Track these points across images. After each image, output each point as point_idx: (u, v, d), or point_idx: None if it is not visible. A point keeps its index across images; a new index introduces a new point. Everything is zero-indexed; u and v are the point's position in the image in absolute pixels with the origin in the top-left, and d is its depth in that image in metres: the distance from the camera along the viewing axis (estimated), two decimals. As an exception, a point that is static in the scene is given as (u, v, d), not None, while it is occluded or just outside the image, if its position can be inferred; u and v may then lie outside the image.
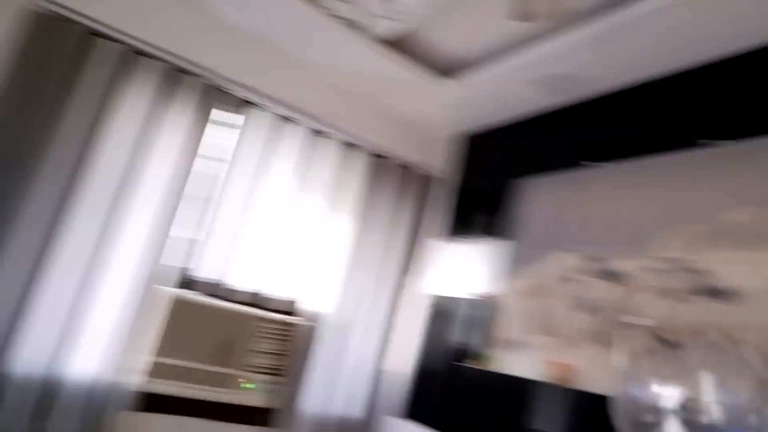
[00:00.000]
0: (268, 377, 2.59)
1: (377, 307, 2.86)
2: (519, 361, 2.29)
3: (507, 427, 2.21)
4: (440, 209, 3.09)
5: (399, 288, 2.94)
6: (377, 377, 2.82)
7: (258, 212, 2.60)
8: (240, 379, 2.52)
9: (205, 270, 2.49)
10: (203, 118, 2.47)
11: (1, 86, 2.10)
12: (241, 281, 2.56)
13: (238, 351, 2.53)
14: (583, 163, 2.37)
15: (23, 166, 2.11)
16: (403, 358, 2.88)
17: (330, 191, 2.81)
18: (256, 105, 2.65)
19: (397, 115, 3.05)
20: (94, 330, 2.19)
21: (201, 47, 2.45)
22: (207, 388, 2.44)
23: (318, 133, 2.81)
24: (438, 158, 3.16)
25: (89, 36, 2.25)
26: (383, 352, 2.85)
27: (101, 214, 2.22)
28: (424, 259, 3.01)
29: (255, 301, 2.60)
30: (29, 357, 2.07)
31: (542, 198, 2.51)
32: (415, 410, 2.75)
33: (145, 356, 2.31)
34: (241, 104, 2.62)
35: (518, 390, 2.23)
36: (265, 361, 2.59)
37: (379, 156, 2.97)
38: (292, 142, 2.73)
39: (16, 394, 2.03)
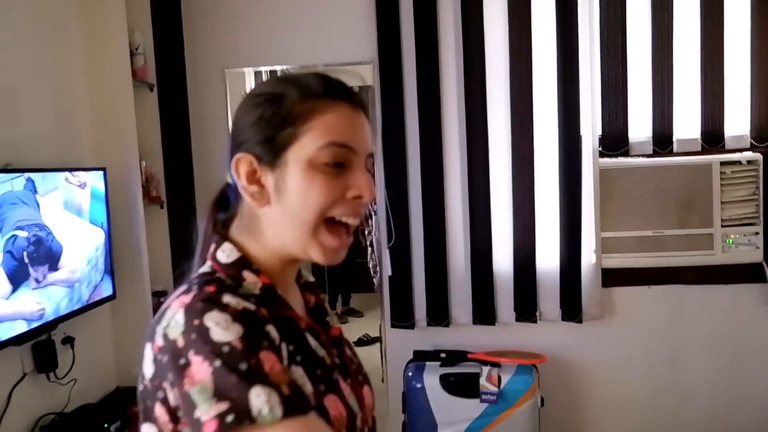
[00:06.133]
0: (745, 228, 2.36)
1: None
2: None
3: None
4: None
5: None
6: None
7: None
8: (724, 236, 2.37)
9: (632, 129, 2.39)
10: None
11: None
12: (679, 129, 2.35)
13: (701, 207, 2.36)
14: None
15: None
16: None
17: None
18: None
19: None
20: (544, 219, 2.39)
21: None
22: (675, 253, 2.38)
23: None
24: None
25: None
26: None
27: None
28: None
29: (708, 145, 2.35)
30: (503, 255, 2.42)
31: None
32: None
33: (598, 233, 2.37)
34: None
35: None
36: (739, 210, 2.35)
37: None
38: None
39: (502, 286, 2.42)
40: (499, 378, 2.21)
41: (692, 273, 2.43)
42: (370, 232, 2.65)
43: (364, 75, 2.49)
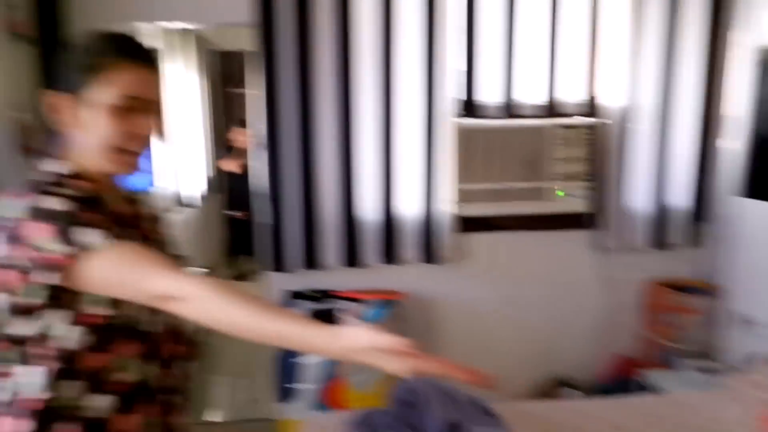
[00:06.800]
0: (578, 183, 2.82)
1: (686, 79, 2.70)
2: None
3: None
4: None
5: (720, 46, 2.68)
6: (704, 158, 2.76)
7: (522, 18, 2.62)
8: (556, 188, 2.82)
9: (487, 94, 2.69)
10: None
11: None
12: (525, 95, 2.69)
13: (542, 163, 2.80)
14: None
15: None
16: (731, 131, 2.75)
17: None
18: None
19: None
20: (406, 172, 2.66)
21: None
22: (519, 203, 2.82)
23: None
24: None
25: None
26: (710, 126, 2.73)
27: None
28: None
29: (548, 112, 2.72)
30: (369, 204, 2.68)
31: None
32: (755, 187, 2.62)
33: (455, 185, 2.72)
34: None
35: None
36: (572, 167, 2.81)
37: None
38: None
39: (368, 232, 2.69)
40: (361, 312, 2.51)
41: (532, 221, 2.84)
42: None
43: (245, 37, 2.63)
